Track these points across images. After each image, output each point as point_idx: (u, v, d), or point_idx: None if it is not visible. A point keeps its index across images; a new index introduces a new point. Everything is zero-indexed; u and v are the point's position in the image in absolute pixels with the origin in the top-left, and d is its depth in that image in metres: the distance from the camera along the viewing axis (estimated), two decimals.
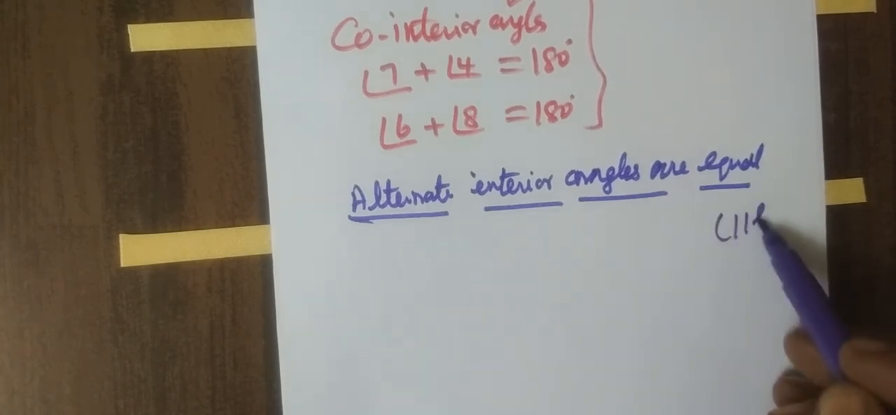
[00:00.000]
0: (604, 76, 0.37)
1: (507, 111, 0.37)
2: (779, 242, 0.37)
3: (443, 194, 0.37)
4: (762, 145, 0.39)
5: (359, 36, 0.36)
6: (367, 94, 0.37)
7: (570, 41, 0.37)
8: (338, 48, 0.36)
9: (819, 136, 0.39)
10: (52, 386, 0.36)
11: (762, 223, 0.38)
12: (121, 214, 0.36)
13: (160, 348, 0.36)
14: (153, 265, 0.36)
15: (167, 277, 0.36)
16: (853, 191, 0.40)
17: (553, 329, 0.38)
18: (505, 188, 0.37)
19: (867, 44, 0.41)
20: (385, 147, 0.37)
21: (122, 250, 0.36)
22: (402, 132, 0.37)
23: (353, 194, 0.37)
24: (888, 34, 0.41)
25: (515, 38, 0.37)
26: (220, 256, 0.37)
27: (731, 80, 0.38)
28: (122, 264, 0.36)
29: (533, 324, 0.38)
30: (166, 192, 0.36)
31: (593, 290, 0.38)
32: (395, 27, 0.37)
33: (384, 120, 0.37)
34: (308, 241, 0.36)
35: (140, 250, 0.36)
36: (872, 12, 0.41)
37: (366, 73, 0.37)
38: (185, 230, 0.36)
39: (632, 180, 0.38)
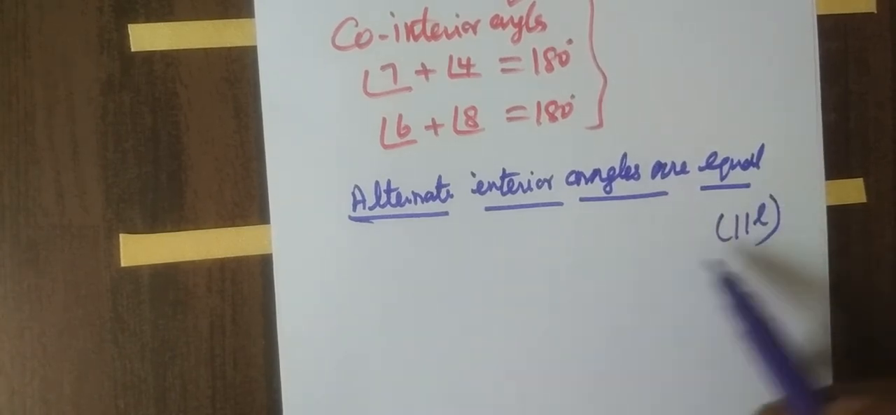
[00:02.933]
0: (604, 76, 0.37)
1: (508, 111, 0.37)
2: (734, 282, 0.36)
3: (443, 194, 0.37)
4: (763, 145, 0.39)
5: (359, 36, 0.36)
6: (367, 94, 0.37)
7: (570, 41, 0.37)
8: (338, 48, 0.36)
9: (819, 136, 0.39)
10: (52, 386, 0.36)
11: (712, 264, 0.37)
12: (121, 213, 0.36)
13: (160, 348, 0.36)
14: (153, 265, 0.36)
15: (167, 277, 0.36)
16: (853, 191, 0.40)
17: (553, 329, 0.38)
18: (505, 188, 0.37)
19: (867, 44, 0.41)
20: (385, 147, 0.37)
21: (122, 250, 0.36)
22: (402, 132, 0.37)
23: (354, 194, 0.37)
24: (888, 34, 0.41)
25: (516, 37, 0.37)
26: (219, 256, 0.37)
27: (732, 80, 0.38)
28: (123, 264, 0.36)
29: (533, 323, 0.37)
30: (166, 192, 0.36)
31: (594, 290, 0.38)
32: (396, 27, 0.37)
33: (384, 120, 0.37)
34: (308, 241, 0.36)
35: (140, 250, 0.36)
36: (872, 12, 0.41)
37: (366, 73, 0.36)
38: (185, 230, 0.36)
39: (632, 180, 0.38)
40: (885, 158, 0.41)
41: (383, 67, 0.37)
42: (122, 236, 0.36)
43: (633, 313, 0.38)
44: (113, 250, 0.36)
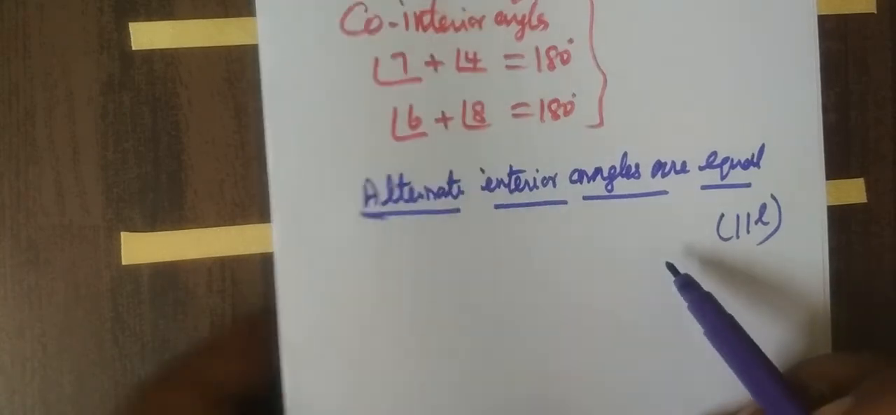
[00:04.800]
0: (604, 75, 0.37)
1: (513, 108, 0.37)
2: (692, 286, 0.36)
3: (454, 191, 0.36)
4: (763, 145, 0.38)
5: (369, 21, 0.35)
6: (378, 82, 0.36)
7: (571, 40, 0.37)
8: (347, 33, 0.35)
9: (820, 135, 0.39)
10: (53, 386, 0.36)
11: (671, 268, 0.37)
12: (121, 213, 0.36)
13: (160, 348, 0.36)
14: (153, 265, 0.36)
15: (167, 277, 0.36)
16: (853, 191, 0.40)
17: (561, 330, 0.37)
18: (513, 186, 0.37)
19: (867, 44, 0.41)
20: (397, 139, 0.36)
21: (122, 248, 0.36)
22: (413, 124, 0.36)
23: (365, 188, 0.35)
24: (888, 34, 0.41)
25: (519, 35, 0.37)
26: (221, 255, 0.36)
27: (732, 79, 0.38)
28: (123, 262, 0.36)
29: (541, 325, 0.37)
30: (166, 192, 0.36)
31: (596, 289, 0.37)
32: (405, 15, 0.36)
33: (395, 110, 0.36)
34: (315, 240, 0.35)
35: (141, 248, 0.36)
36: (873, 13, 0.41)
37: (376, 60, 0.36)
38: (185, 230, 0.36)
39: (633, 179, 0.38)
40: (885, 158, 0.41)
41: (394, 56, 0.36)
42: (122, 235, 0.36)
43: (634, 312, 0.38)
44: (113, 250, 0.36)
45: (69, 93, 0.36)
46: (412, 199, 0.36)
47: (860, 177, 0.41)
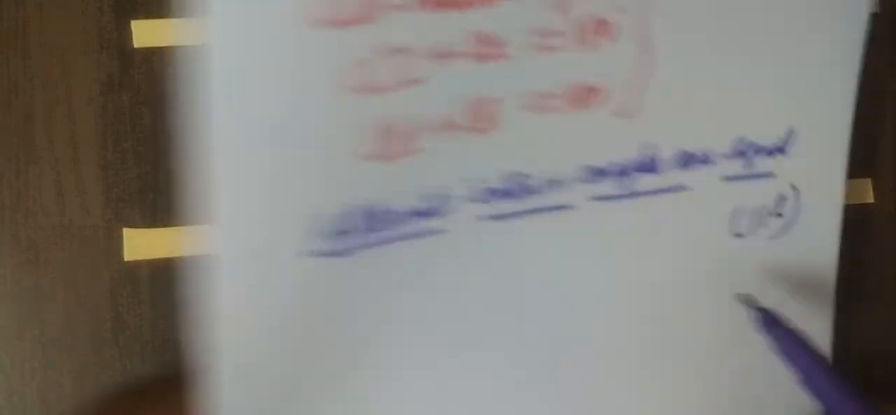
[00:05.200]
0: (649, 55, 0.31)
1: (534, 99, 0.30)
2: (777, 323, 0.32)
3: (442, 209, 0.30)
4: (792, 133, 0.34)
5: (364, 3, 0.26)
6: (357, 89, 0.27)
7: (623, 10, 0.30)
8: (320, 24, 0.26)
9: (847, 129, 0.36)
10: (52, 386, 0.36)
11: (747, 300, 0.33)
12: (121, 213, 0.36)
13: (161, 347, 0.36)
14: (153, 265, 0.36)
15: (167, 277, 0.36)
16: (859, 191, 0.40)
17: (563, 350, 0.33)
18: (516, 193, 0.31)
19: (869, 43, 0.41)
20: (375, 159, 0.28)
21: (125, 244, 0.36)
22: (405, 139, 0.28)
23: (329, 223, 0.28)
24: (889, 33, 0.41)
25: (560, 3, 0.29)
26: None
27: (767, 63, 0.34)
28: (126, 258, 0.36)
29: (539, 349, 0.33)
30: (166, 192, 0.36)
31: (613, 293, 0.34)
32: None
33: (384, 126, 0.28)
34: (261, 289, 0.28)
35: (143, 244, 0.36)
36: (876, 12, 0.40)
37: (366, 62, 0.27)
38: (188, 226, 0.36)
39: (652, 174, 0.33)
40: (885, 158, 0.41)
41: (392, 52, 0.27)
42: (125, 231, 0.36)
43: (650, 326, 0.35)
44: (113, 250, 0.36)
45: (69, 93, 0.36)
46: (389, 226, 0.29)
47: (862, 177, 0.40)
